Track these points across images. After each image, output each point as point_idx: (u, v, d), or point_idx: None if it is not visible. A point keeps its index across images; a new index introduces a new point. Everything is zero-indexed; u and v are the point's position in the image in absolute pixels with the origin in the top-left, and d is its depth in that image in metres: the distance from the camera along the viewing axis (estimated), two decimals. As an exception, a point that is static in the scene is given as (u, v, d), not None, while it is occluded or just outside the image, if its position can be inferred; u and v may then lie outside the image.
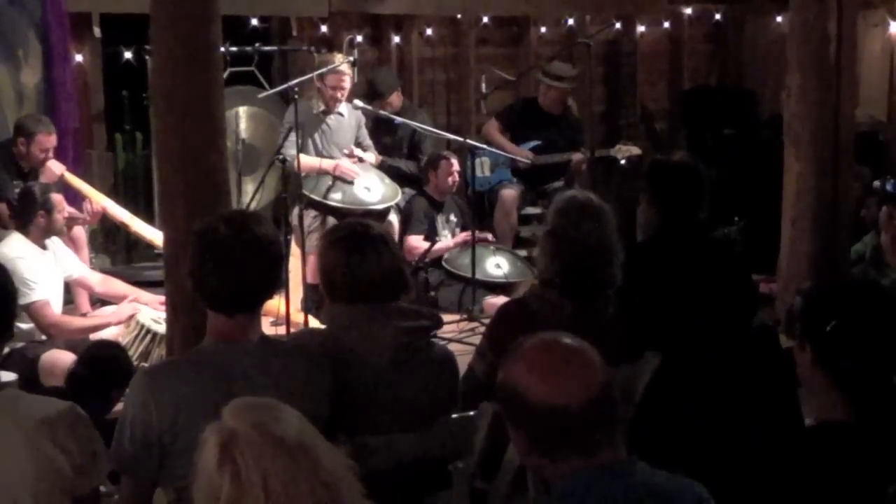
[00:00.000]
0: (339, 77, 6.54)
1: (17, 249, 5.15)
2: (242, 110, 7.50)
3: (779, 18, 9.56)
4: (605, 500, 2.04)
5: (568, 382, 2.07)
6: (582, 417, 2.05)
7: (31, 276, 5.07)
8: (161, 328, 4.96)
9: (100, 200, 6.26)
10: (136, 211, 6.71)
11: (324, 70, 6.49)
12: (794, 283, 5.70)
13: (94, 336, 5.27)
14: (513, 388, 2.11)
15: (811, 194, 5.90)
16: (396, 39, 8.86)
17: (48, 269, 5.31)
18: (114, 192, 7.37)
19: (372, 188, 6.64)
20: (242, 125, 7.48)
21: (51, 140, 6.30)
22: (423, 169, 7.24)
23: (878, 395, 2.29)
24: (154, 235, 6.05)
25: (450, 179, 7.06)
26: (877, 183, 6.01)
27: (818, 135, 5.87)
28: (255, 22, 8.04)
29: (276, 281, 2.94)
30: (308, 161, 6.35)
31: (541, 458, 2.11)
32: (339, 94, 6.60)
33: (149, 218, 6.67)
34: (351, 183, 6.54)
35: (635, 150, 7.76)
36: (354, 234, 3.21)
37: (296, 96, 6.01)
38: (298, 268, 6.06)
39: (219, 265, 2.80)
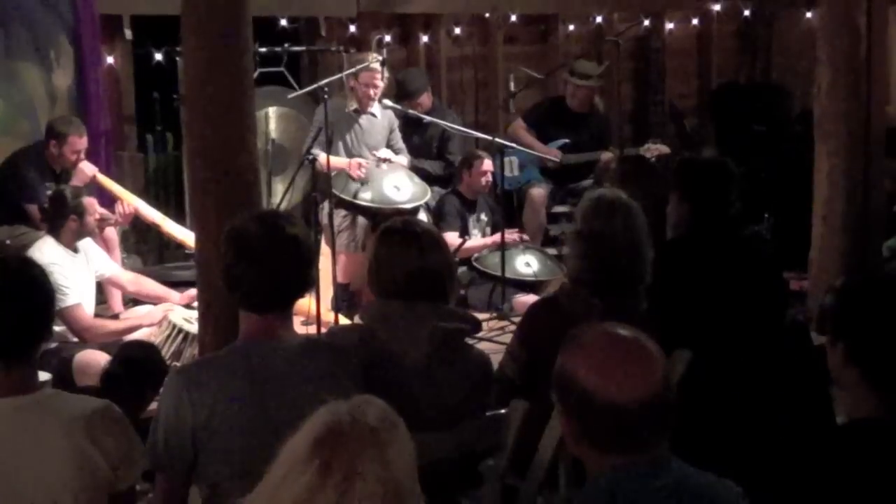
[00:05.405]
0: (371, 75, 6.55)
1: (50, 255, 5.11)
2: (272, 110, 7.52)
3: (808, 14, 9.52)
4: (638, 498, 2.03)
5: (629, 380, 2.02)
6: (639, 416, 2.01)
7: (64, 281, 5.05)
8: (193, 327, 4.99)
9: (131, 201, 6.30)
10: (167, 211, 6.75)
11: (358, 68, 6.51)
12: (826, 280, 5.67)
13: (127, 337, 5.31)
14: (571, 378, 2.06)
15: (842, 191, 5.88)
16: (424, 39, 8.87)
17: (80, 273, 5.34)
18: (145, 193, 7.40)
19: (401, 187, 6.64)
20: (272, 125, 7.51)
21: (82, 142, 6.34)
22: (457, 168, 7.25)
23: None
24: (185, 236, 6.08)
25: (483, 179, 7.06)
26: None
27: (849, 131, 5.84)
28: (283, 22, 8.07)
29: (307, 280, 2.95)
30: (332, 161, 6.35)
31: (589, 448, 2.08)
32: (372, 92, 6.61)
33: (180, 218, 6.70)
34: (380, 182, 6.54)
35: (664, 149, 7.72)
36: (400, 229, 3.23)
37: (325, 96, 6.03)
38: (328, 267, 6.08)
39: (250, 264, 2.82)
